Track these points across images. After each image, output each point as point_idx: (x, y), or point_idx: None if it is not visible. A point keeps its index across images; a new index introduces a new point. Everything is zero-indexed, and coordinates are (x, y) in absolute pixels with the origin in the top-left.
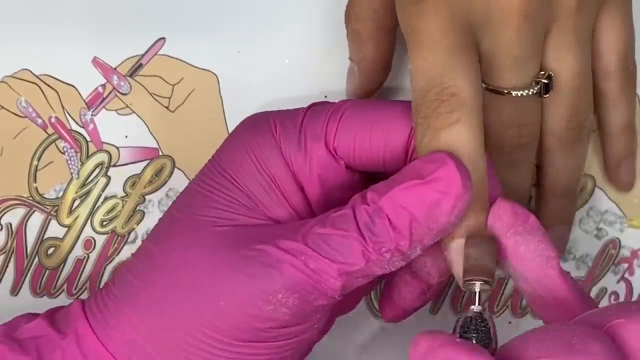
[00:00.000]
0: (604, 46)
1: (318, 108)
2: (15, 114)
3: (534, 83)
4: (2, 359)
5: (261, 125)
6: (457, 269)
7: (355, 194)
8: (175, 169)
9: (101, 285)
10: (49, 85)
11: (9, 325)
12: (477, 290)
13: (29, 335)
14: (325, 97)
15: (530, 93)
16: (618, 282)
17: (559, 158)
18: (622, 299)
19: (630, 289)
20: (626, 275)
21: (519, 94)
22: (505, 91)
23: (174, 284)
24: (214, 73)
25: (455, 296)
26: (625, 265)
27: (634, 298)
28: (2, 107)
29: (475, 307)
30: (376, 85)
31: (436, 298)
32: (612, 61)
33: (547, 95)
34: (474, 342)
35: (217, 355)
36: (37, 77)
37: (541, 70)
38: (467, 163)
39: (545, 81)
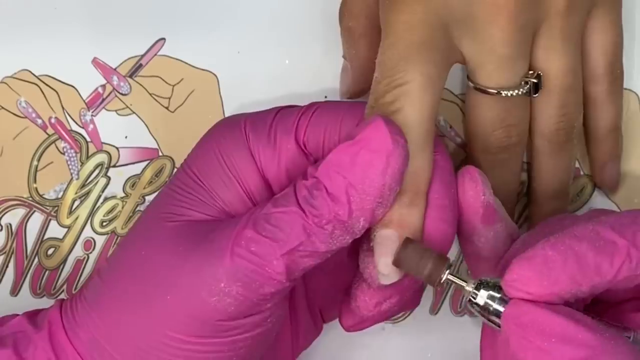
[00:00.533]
0: (592, 49)
1: (289, 109)
2: (15, 115)
3: (523, 83)
4: None
5: (231, 125)
6: (377, 258)
7: None
8: (175, 169)
9: None
10: (49, 86)
11: None
12: (451, 277)
13: (9, 331)
14: (325, 97)
15: (519, 93)
16: None
17: (549, 159)
18: None
19: None
20: None
21: (508, 94)
22: (495, 91)
23: (128, 281)
24: (214, 73)
25: (455, 296)
26: None
27: None
28: (2, 108)
29: (469, 285)
30: (369, 83)
31: (400, 310)
32: (600, 64)
33: (537, 95)
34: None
35: (170, 353)
36: (37, 77)
37: (530, 70)
38: (409, 140)
39: (535, 81)
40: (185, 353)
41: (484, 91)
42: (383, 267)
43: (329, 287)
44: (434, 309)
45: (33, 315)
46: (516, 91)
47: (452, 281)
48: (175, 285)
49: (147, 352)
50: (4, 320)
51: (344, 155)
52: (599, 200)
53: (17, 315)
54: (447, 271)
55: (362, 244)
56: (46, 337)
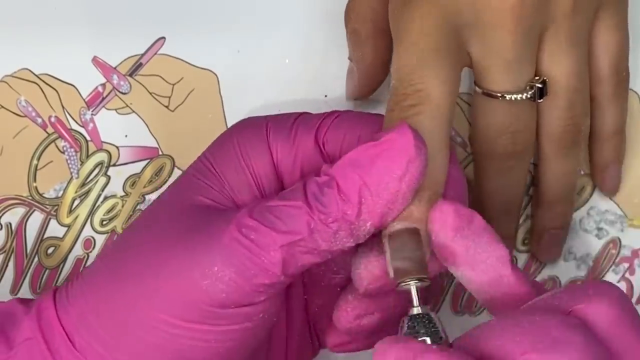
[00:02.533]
0: (597, 52)
1: (312, 114)
2: (15, 114)
3: (528, 87)
4: None
5: (254, 121)
6: (389, 261)
7: None
8: (175, 168)
9: None
10: (48, 85)
11: None
12: (413, 290)
13: (1, 311)
14: (326, 96)
15: (524, 97)
16: (619, 281)
17: (555, 162)
18: None
19: (630, 288)
20: (627, 274)
21: (513, 98)
22: (499, 95)
23: (124, 260)
24: (214, 73)
25: (455, 296)
26: (626, 264)
27: (635, 298)
28: (2, 107)
29: (416, 308)
30: (375, 85)
31: (380, 330)
32: (605, 66)
33: (542, 100)
34: (429, 342)
35: (155, 335)
36: (37, 76)
37: (536, 75)
38: (428, 144)
39: (540, 86)
40: (171, 337)
41: (489, 95)
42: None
43: (328, 304)
44: (434, 309)
45: (28, 300)
46: (521, 95)
47: (408, 292)
48: (167, 264)
49: (132, 330)
50: None
51: (363, 155)
52: (599, 200)
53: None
54: (415, 282)
55: (360, 247)
56: (34, 316)
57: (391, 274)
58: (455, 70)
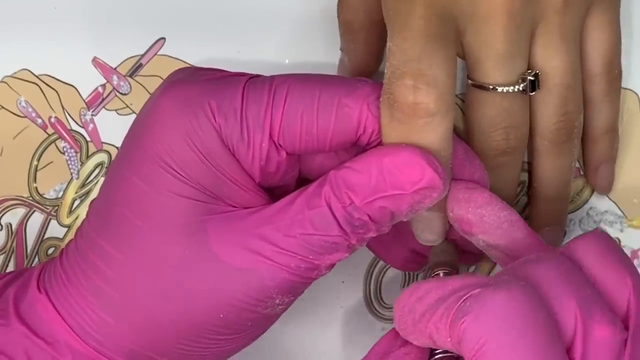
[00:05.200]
0: (589, 48)
1: (255, 86)
2: (15, 114)
3: (520, 80)
4: None
5: (196, 112)
6: (418, 232)
7: (292, 172)
8: None
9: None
10: (49, 85)
11: None
12: (441, 275)
13: None
14: None
15: (515, 90)
16: None
17: (549, 159)
18: None
19: None
20: None
21: (504, 90)
22: (490, 87)
23: (151, 285)
24: None
25: None
26: None
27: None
28: (2, 107)
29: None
30: (367, 76)
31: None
32: (597, 64)
33: (534, 93)
34: None
35: (207, 345)
36: (37, 77)
37: (529, 69)
38: (436, 151)
39: (532, 78)
40: (218, 342)
41: (481, 87)
42: (428, 236)
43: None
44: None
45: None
46: (512, 88)
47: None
48: (224, 295)
49: (187, 345)
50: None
51: (396, 200)
52: (598, 201)
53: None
54: (442, 270)
55: None
56: (13, 288)
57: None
58: (456, 61)
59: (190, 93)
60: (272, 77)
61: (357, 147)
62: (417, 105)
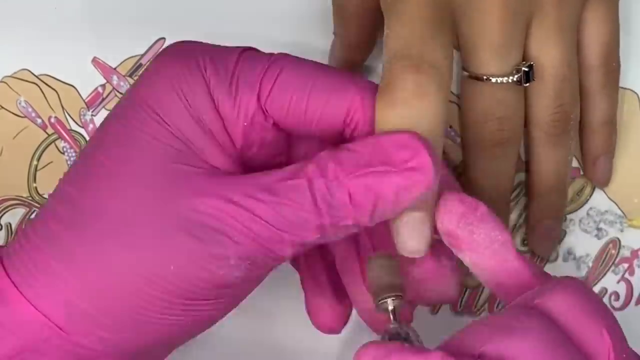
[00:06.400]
0: (587, 40)
1: (253, 54)
2: (15, 114)
3: (514, 71)
4: None
5: (189, 63)
6: (403, 239)
7: (274, 152)
8: None
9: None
10: (48, 85)
11: None
12: (391, 307)
13: None
14: None
15: (510, 81)
16: (618, 282)
17: (545, 151)
18: (622, 299)
19: (630, 289)
20: (626, 275)
21: (498, 81)
22: (485, 77)
23: (113, 241)
24: None
25: None
26: (626, 265)
27: (634, 298)
28: (2, 107)
29: (392, 324)
30: (358, 62)
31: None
32: (594, 56)
33: (529, 84)
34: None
35: (164, 313)
36: (37, 77)
37: (524, 60)
38: (432, 133)
39: (526, 69)
40: (175, 313)
41: (476, 78)
42: (414, 244)
43: None
44: (434, 309)
45: None
46: (507, 79)
47: (385, 310)
48: (180, 254)
49: (134, 312)
50: None
51: (384, 178)
52: (598, 201)
53: None
54: (391, 299)
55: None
56: None
57: (403, 244)
58: (452, 48)
59: (187, 47)
60: (272, 53)
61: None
62: (419, 87)
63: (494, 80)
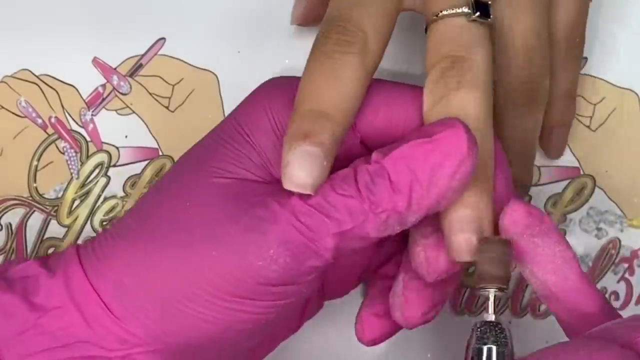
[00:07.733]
0: (556, 15)
1: None
2: (15, 114)
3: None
4: None
5: (282, 87)
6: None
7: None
8: None
9: None
10: (49, 85)
11: (1, 267)
12: (491, 297)
13: (19, 275)
14: None
15: (458, 12)
16: (618, 282)
17: (513, 120)
18: (622, 299)
19: (630, 289)
20: (626, 275)
21: (447, 12)
22: (435, 15)
23: (170, 228)
24: (214, 73)
25: (455, 296)
26: (625, 265)
27: (634, 298)
28: (2, 107)
29: (490, 316)
30: (323, 11)
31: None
32: (559, 29)
33: (484, 18)
34: (494, 353)
35: (201, 305)
36: (37, 77)
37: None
38: (475, 130)
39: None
40: (216, 308)
41: (429, 21)
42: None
43: (341, 267)
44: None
45: (44, 260)
46: (456, 10)
47: (488, 298)
48: (222, 242)
49: (177, 301)
50: (11, 264)
51: (416, 150)
52: (598, 201)
53: (23, 260)
54: (495, 290)
55: (414, 237)
56: (61, 280)
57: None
58: (392, 15)
59: (283, 79)
60: None
61: None
62: (342, 39)
63: (445, 12)
